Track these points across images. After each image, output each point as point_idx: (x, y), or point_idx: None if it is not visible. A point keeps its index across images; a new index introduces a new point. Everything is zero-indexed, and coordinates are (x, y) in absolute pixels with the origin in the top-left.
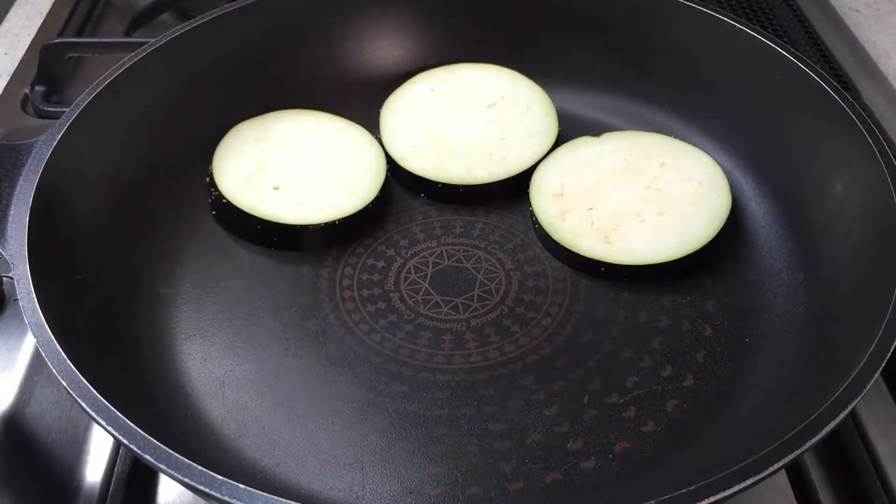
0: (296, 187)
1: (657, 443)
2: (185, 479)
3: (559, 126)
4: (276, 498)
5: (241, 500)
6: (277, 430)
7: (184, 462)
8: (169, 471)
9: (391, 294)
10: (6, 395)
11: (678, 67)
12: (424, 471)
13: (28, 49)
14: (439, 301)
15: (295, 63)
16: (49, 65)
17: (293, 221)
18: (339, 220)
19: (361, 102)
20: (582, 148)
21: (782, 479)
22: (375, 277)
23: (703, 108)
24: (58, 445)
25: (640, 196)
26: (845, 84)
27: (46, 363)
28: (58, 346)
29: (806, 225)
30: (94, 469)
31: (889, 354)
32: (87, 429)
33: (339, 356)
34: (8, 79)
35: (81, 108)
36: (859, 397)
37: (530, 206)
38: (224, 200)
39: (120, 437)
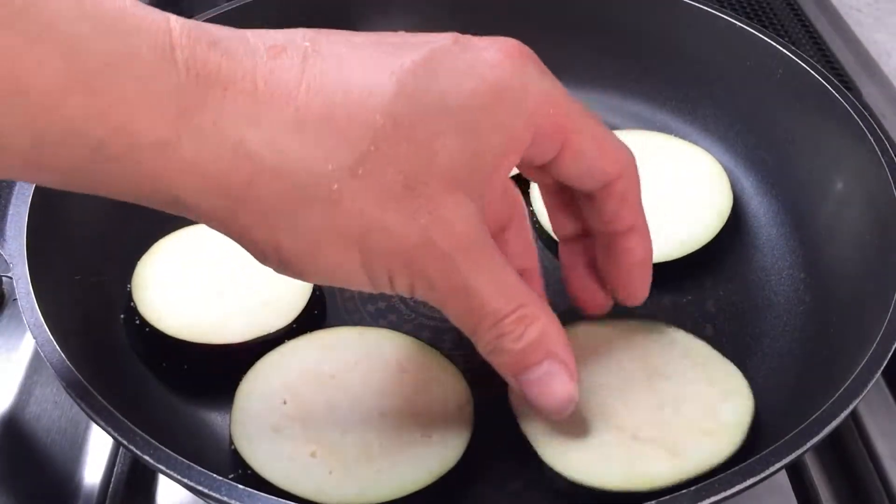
0: None
1: None
2: (185, 480)
3: None
4: (276, 499)
5: (240, 501)
6: None
7: (184, 462)
8: (168, 471)
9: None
10: (6, 395)
11: (678, 66)
12: None
13: None
14: None
15: None
16: None
17: None
18: None
19: None
20: None
21: (782, 479)
22: None
23: (703, 106)
24: (57, 445)
25: None
26: (846, 83)
27: (46, 363)
28: (57, 346)
29: (807, 224)
30: (93, 469)
31: (889, 354)
32: (87, 429)
33: None
34: None
35: None
36: (860, 397)
37: (530, 205)
38: None
39: (119, 438)
